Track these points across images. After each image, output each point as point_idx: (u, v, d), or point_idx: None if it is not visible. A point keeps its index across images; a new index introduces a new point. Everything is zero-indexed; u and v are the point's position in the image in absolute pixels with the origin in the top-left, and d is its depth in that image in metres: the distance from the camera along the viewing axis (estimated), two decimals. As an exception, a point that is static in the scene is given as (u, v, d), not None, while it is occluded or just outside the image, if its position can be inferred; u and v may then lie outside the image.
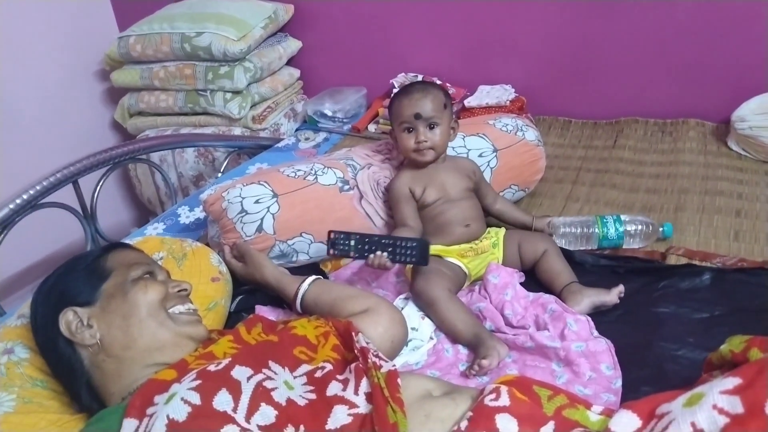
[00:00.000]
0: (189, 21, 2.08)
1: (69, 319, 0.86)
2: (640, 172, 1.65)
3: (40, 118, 2.23)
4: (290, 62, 2.33)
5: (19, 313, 1.04)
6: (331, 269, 1.38)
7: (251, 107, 2.11)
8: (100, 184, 1.62)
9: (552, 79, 2.00)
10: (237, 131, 2.11)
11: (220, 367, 0.77)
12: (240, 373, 0.76)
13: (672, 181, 1.58)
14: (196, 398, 0.71)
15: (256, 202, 1.27)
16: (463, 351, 1.11)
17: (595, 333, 1.08)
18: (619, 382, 1.00)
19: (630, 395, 0.98)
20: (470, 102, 2.00)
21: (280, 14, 2.20)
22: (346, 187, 1.33)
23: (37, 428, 0.84)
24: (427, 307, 1.17)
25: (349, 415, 0.73)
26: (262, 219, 1.26)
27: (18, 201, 1.33)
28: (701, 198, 1.49)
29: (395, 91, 1.29)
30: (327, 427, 0.71)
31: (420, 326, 1.14)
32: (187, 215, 1.65)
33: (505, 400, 0.73)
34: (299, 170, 1.34)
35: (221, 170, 1.97)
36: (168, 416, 0.69)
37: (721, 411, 0.58)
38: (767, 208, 1.43)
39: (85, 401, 0.87)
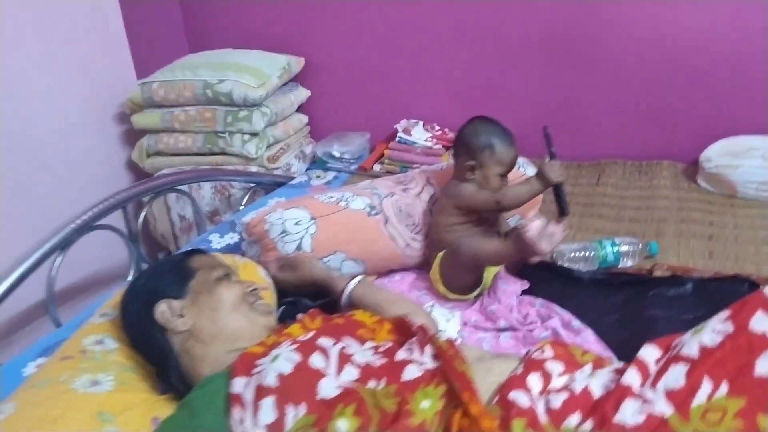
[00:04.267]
0: (211, 69, 2.27)
1: (163, 309, 1.01)
2: (622, 205, 1.87)
3: (60, 159, 2.37)
4: (299, 109, 2.53)
5: (100, 312, 1.17)
6: (358, 285, 1.54)
7: (267, 148, 2.30)
8: (144, 210, 1.77)
9: (539, 124, 2.22)
10: (253, 169, 2.28)
11: (308, 337, 0.93)
12: (324, 342, 0.93)
13: (651, 212, 1.80)
14: (297, 357, 0.87)
15: (297, 223, 1.44)
16: (486, 347, 1.28)
17: (578, 324, 1.26)
18: (616, 360, 1.16)
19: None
20: (468, 145, 2.22)
21: (293, 65, 2.42)
22: (374, 212, 1.51)
23: (132, 403, 0.97)
24: (472, 257, 1.35)
25: (420, 369, 0.88)
26: (301, 239, 1.43)
27: (78, 221, 1.47)
28: (677, 225, 1.71)
29: (479, 130, 1.39)
30: (402, 379, 0.87)
31: (446, 328, 1.31)
32: (218, 241, 1.79)
33: (549, 354, 0.91)
34: (332, 197, 1.52)
35: (243, 203, 2.13)
36: (278, 371, 0.84)
37: (718, 332, 0.77)
38: (734, 232, 1.65)
39: (174, 382, 1.01)
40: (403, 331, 1.01)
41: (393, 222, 1.52)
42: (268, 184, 2.20)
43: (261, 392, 0.84)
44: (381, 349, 0.96)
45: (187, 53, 2.61)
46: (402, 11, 2.31)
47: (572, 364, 0.89)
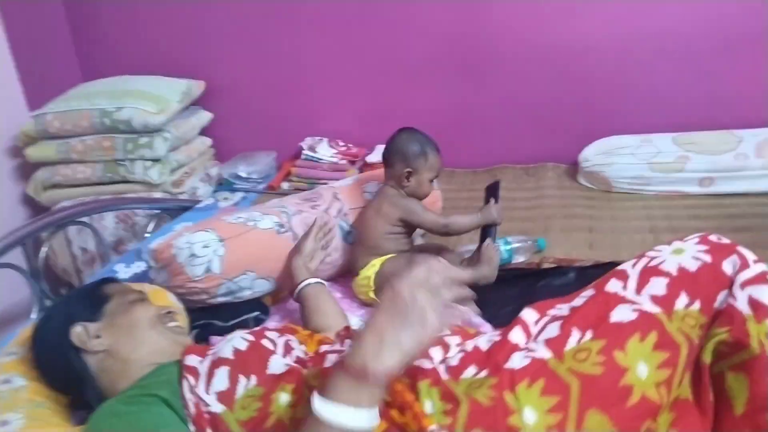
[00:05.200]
0: (108, 97, 2.25)
1: (79, 332, 1.03)
2: (514, 206, 2.01)
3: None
4: (203, 132, 2.54)
5: (6, 351, 1.15)
6: (271, 303, 1.59)
7: (170, 173, 2.29)
8: (45, 246, 1.73)
9: (438, 136, 2.36)
10: (157, 195, 2.27)
11: (256, 330, 1.03)
12: (271, 334, 1.03)
13: (539, 211, 1.96)
14: (251, 337, 0.99)
15: (204, 246, 1.46)
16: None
17: (477, 319, 1.38)
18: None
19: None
20: (371, 158, 2.32)
21: (193, 89, 2.43)
22: (282, 230, 1.56)
23: (47, 438, 0.98)
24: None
25: (340, 357, 0.97)
26: (209, 261, 1.46)
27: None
28: (562, 221, 1.87)
29: (411, 139, 1.51)
30: (325, 365, 0.96)
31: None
32: (125, 271, 1.78)
33: (446, 330, 1.01)
34: (240, 217, 1.56)
35: (149, 230, 2.11)
36: (233, 346, 0.96)
37: (583, 297, 0.93)
38: (611, 224, 1.83)
39: (93, 403, 1.01)
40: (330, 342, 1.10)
41: (301, 238, 1.58)
42: (174, 210, 2.20)
43: (217, 363, 0.94)
44: (310, 354, 1.05)
45: (80, 81, 2.55)
46: (301, 31, 2.38)
47: (467, 336, 0.99)
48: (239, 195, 2.33)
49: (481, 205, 1.59)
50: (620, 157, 2.01)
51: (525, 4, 2.13)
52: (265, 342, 1.00)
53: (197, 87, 2.46)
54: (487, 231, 1.56)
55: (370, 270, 1.50)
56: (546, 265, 1.60)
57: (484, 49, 2.22)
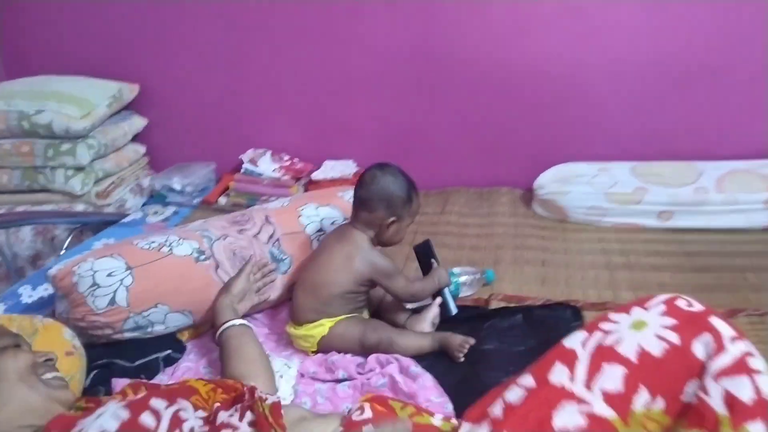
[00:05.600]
0: (28, 98, 2.05)
1: None
2: (464, 233, 1.89)
3: None
4: (136, 138, 2.35)
5: None
6: (188, 338, 1.42)
7: (95, 183, 2.09)
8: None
9: (387, 155, 2.18)
10: (80, 207, 2.07)
11: (140, 396, 0.85)
12: (157, 403, 0.85)
13: (490, 239, 1.84)
14: (125, 414, 0.80)
15: (109, 275, 1.29)
16: (320, 401, 1.21)
17: (417, 369, 1.24)
18: (450, 406, 1.16)
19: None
20: (317, 175, 2.17)
21: (124, 93, 2.24)
22: (203, 257, 1.39)
23: None
24: (387, 348, 1.30)
25: None
26: (115, 292, 1.28)
27: None
28: (514, 252, 1.75)
29: (397, 183, 1.32)
30: None
31: (279, 386, 1.22)
32: (29, 294, 1.59)
33: (368, 414, 0.86)
34: (153, 242, 1.38)
35: (65, 247, 1.91)
36: (99, 427, 0.77)
37: (521, 387, 0.78)
38: (565, 258, 1.72)
39: None
40: (236, 399, 0.93)
41: (225, 267, 1.41)
42: (97, 224, 2.00)
43: None
44: (210, 418, 0.88)
45: (3, 79, 2.33)
46: (248, 36, 2.22)
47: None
48: (171, 209, 2.15)
49: (416, 267, 1.49)
50: (576, 186, 1.91)
51: (481, 21, 2.01)
52: (144, 418, 0.82)
53: (129, 90, 2.28)
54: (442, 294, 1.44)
55: (316, 329, 1.33)
56: (494, 304, 1.48)
57: (437, 66, 2.10)
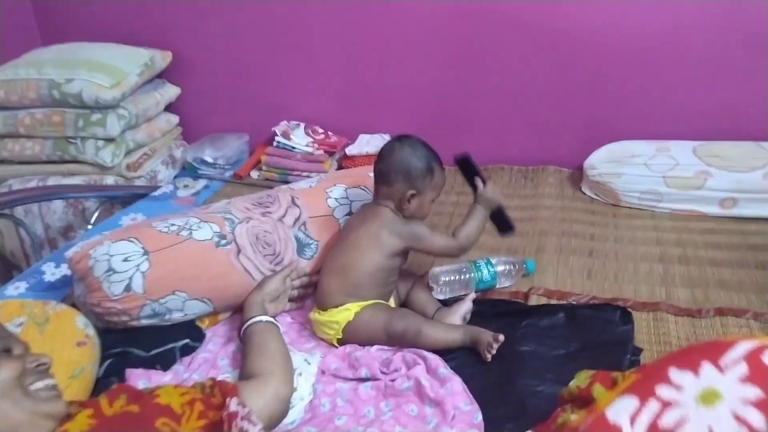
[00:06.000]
0: (58, 67, 1.99)
1: None
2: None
3: None
4: (169, 108, 2.29)
5: None
6: (208, 325, 1.36)
7: (126, 155, 2.05)
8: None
9: (426, 128, 2.07)
10: (110, 180, 2.03)
11: None
12: None
13: (533, 224, 1.70)
14: None
15: (125, 260, 1.23)
16: (340, 403, 1.13)
17: (445, 371, 1.15)
18: (480, 416, 1.07)
19: (494, 431, 1.05)
20: (351, 150, 2.07)
21: (157, 61, 2.17)
22: (223, 242, 1.32)
23: None
24: (414, 338, 1.21)
25: None
26: (131, 278, 1.22)
27: None
28: (558, 240, 1.62)
29: (415, 155, 1.25)
30: None
31: (298, 384, 1.15)
32: (53, 272, 1.55)
33: None
34: (173, 225, 1.32)
35: (92, 222, 1.88)
36: None
37: (741, 421, 0.57)
38: (615, 247, 1.58)
39: None
40: (215, 412, 0.85)
41: (248, 252, 1.34)
42: (127, 197, 1.96)
43: None
44: None
45: (40, 46, 2.30)
46: (282, 4, 2.10)
47: None
48: (202, 183, 2.09)
49: (469, 194, 1.38)
50: (632, 167, 1.75)
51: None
52: None
53: (162, 58, 2.20)
54: (500, 226, 1.38)
55: (341, 314, 1.25)
56: (534, 300, 1.36)
57: (481, 34, 1.94)
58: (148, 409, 0.84)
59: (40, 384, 0.85)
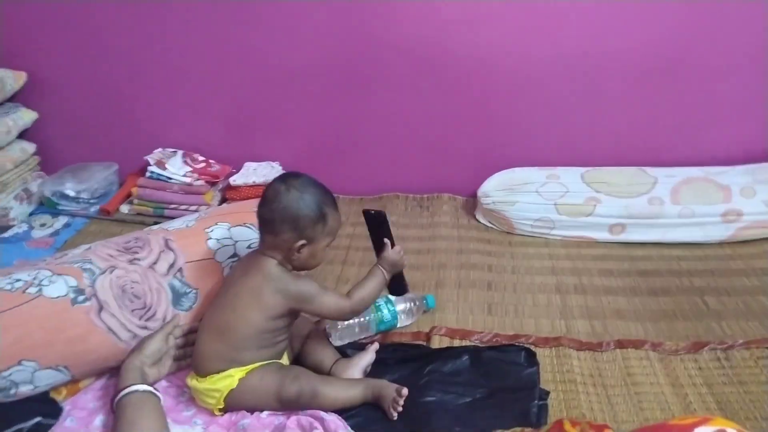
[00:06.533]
0: None
1: None
2: (404, 248, 1.66)
3: None
4: (23, 135, 2.01)
5: None
6: (66, 395, 1.15)
7: (-32, 190, 1.77)
8: None
9: (317, 156, 2.01)
10: (-51, 220, 1.74)
11: None
12: None
13: (432, 256, 1.65)
14: None
15: (-44, 327, 1.02)
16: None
17: (329, 416, 1.06)
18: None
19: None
20: (236, 180, 1.91)
21: (8, 82, 1.90)
22: (81, 297, 1.13)
23: None
24: (309, 401, 1.10)
25: None
26: (-35, 348, 1.01)
27: None
28: (458, 272, 1.57)
29: (305, 200, 1.09)
30: None
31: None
32: None
33: None
34: (18, 281, 1.11)
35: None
36: None
37: None
38: (513, 279, 1.55)
39: None
40: None
41: (112, 308, 1.15)
42: (-30, 240, 1.69)
43: None
44: None
45: None
46: (154, 18, 1.89)
47: None
48: (62, 220, 1.85)
49: (370, 247, 1.28)
50: (524, 195, 1.74)
51: (423, 9, 1.78)
52: None
53: (14, 79, 1.93)
54: (395, 288, 1.28)
55: (223, 382, 1.09)
56: (437, 342, 1.29)
57: (371, 58, 1.86)
58: None
59: None
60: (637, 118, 1.85)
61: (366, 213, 1.27)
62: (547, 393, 1.14)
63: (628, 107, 1.84)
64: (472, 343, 1.28)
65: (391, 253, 1.23)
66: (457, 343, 1.29)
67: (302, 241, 1.10)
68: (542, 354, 1.25)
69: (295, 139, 2.02)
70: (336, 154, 2.00)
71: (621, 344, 1.28)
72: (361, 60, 1.88)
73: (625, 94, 1.83)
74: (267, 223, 1.11)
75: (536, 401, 1.10)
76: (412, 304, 1.39)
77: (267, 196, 1.11)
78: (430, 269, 1.59)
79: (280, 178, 1.13)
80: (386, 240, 1.24)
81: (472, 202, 1.91)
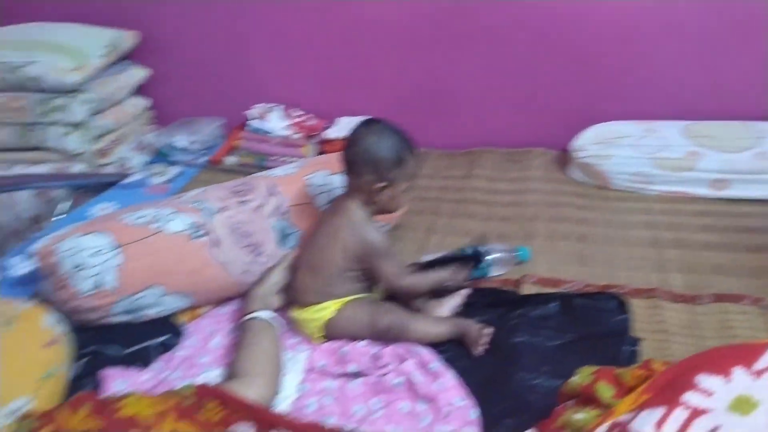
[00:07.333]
0: (16, 49, 1.87)
1: None
2: (493, 201, 1.71)
3: None
4: (139, 91, 2.18)
5: None
6: (188, 320, 1.29)
7: (93, 141, 1.94)
8: None
9: (408, 111, 2.02)
10: (78, 167, 1.93)
11: None
12: None
13: (522, 209, 1.65)
14: None
15: (95, 254, 1.15)
16: (328, 403, 1.07)
17: (438, 365, 1.10)
18: (475, 413, 1.02)
19: (493, 429, 1.00)
20: (331, 133, 1.99)
21: (121, 41, 2.06)
22: (198, 233, 1.24)
23: None
24: (399, 333, 1.15)
25: None
26: (101, 273, 1.15)
27: None
28: (548, 225, 1.57)
29: (384, 142, 1.15)
30: None
31: (283, 385, 1.09)
32: (20, 266, 1.45)
33: None
34: (144, 216, 1.23)
35: (62, 212, 1.78)
36: None
37: None
38: (606, 232, 1.54)
39: None
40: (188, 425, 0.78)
41: (225, 245, 1.26)
42: (96, 185, 1.86)
43: None
44: None
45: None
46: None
47: None
48: (175, 169, 2.00)
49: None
50: (620, 149, 1.70)
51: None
52: None
53: (127, 39, 2.08)
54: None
55: (320, 313, 1.19)
56: (526, 289, 1.31)
57: (463, 13, 1.86)
58: (112, 423, 0.77)
59: None
60: (744, 69, 1.75)
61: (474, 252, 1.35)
62: (638, 340, 1.15)
63: (733, 58, 1.74)
64: (562, 291, 1.30)
65: (465, 276, 1.28)
66: (547, 291, 1.31)
67: (382, 183, 1.16)
68: (635, 304, 1.24)
69: (386, 93, 2.07)
70: (426, 109, 2.03)
71: (719, 298, 1.25)
72: (452, 14, 1.89)
73: (730, 45, 1.73)
74: (350, 165, 1.18)
75: (627, 346, 1.11)
76: (506, 254, 1.41)
77: (351, 139, 1.18)
78: (521, 221, 1.60)
79: (363, 123, 1.19)
80: (471, 265, 1.32)
81: (564, 157, 1.88)
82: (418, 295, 1.25)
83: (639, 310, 1.23)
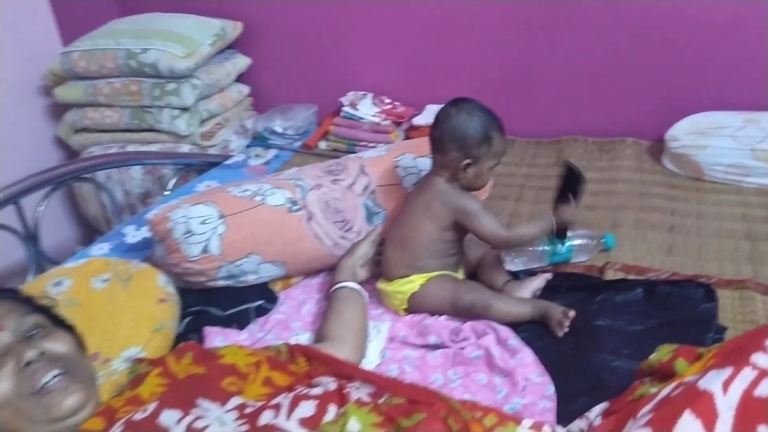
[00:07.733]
0: (134, 37, 2.05)
1: None
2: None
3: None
4: (240, 79, 2.32)
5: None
6: (281, 288, 1.39)
7: (199, 124, 2.10)
8: (43, 205, 1.58)
9: (496, 98, 2.00)
10: (185, 148, 2.09)
11: (147, 414, 0.76)
12: (168, 417, 0.75)
13: (609, 197, 1.64)
14: None
15: (203, 222, 1.27)
16: (408, 370, 1.13)
17: (516, 342, 1.13)
18: (552, 388, 1.05)
19: (569, 405, 1.02)
20: (418, 121, 2.04)
21: (228, 31, 2.20)
22: (295, 207, 1.33)
23: None
24: (482, 311, 1.20)
25: None
26: (208, 240, 1.26)
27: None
28: (636, 214, 1.55)
29: (471, 120, 1.18)
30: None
31: (367, 351, 1.16)
32: (133, 234, 1.62)
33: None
34: (246, 190, 1.34)
35: (168, 188, 1.94)
36: None
37: None
38: (698, 223, 1.50)
39: None
40: (281, 379, 0.86)
41: (318, 219, 1.35)
42: (201, 165, 2.01)
43: None
44: (247, 410, 0.79)
45: (117, 16, 2.37)
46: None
47: None
48: (272, 152, 2.12)
49: (552, 199, 1.28)
50: (717, 140, 1.65)
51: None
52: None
53: (233, 28, 2.23)
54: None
55: (406, 286, 1.25)
56: (610, 275, 1.31)
57: (553, 4, 1.85)
58: (214, 369, 0.86)
59: (44, 379, 0.78)
60: None
61: (567, 164, 1.28)
62: (725, 329, 1.13)
63: None
64: (647, 279, 1.29)
65: (569, 210, 1.25)
66: (632, 278, 1.30)
67: (468, 160, 1.20)
68: (723, 295, 1.22)
69: (474, 81, 2.09)
70: (513, 97, 2.04)
71: (817, 294, 1.20)
72: (543, 2, 1.88)
73: None
74: (437, 142, 1.23)
75: (711, 334, 1.10)
76: (589, 240, 1.41)
77: (438, 117, 1.23)
78: (608, 210, 1.59)
79: (451, 102, 1.24)
80: (571, 196, 1.26)
81: (657, 148, 1.84)
82: (524, 244, 1.29)
83: (727, 300, 1.21)
